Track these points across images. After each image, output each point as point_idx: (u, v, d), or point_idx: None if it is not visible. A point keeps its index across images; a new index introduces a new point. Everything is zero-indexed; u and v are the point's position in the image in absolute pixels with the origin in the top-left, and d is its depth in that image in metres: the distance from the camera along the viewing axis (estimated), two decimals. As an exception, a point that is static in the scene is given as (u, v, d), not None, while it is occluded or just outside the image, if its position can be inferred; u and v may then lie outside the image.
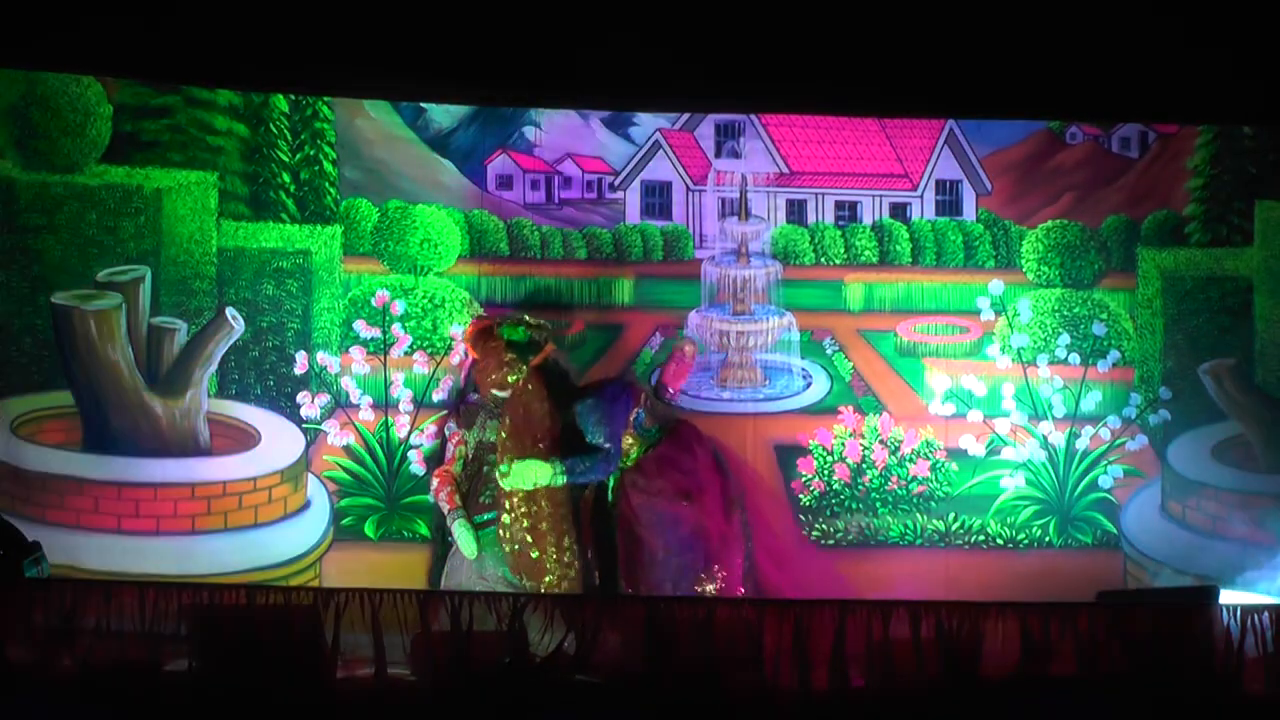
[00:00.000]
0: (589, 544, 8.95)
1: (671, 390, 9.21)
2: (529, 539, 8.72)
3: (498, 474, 8.70)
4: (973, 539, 10.20)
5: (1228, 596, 8.26)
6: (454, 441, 9.02)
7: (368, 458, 9.96)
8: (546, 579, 8.70)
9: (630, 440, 8.93)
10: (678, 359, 9.28)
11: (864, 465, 10.22)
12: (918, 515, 10.22)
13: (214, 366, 9.90)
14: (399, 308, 10.10)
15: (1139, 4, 9.78)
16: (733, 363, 10.36)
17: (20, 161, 9.72)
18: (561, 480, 8.71)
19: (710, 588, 8.74)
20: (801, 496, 10.19)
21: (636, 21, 9.65)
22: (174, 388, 9.84)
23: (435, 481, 8.97)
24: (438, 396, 10.02)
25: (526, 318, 9.05)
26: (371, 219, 10.19)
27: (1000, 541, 10.21)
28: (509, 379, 8.85)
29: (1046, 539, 10.22)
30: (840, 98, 10.21)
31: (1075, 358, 10.30)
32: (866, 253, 10.44)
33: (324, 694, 7.59)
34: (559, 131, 10.44)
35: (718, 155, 10.47)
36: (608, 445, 8.78)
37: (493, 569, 8.73)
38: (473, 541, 8.70)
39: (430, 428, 9.89)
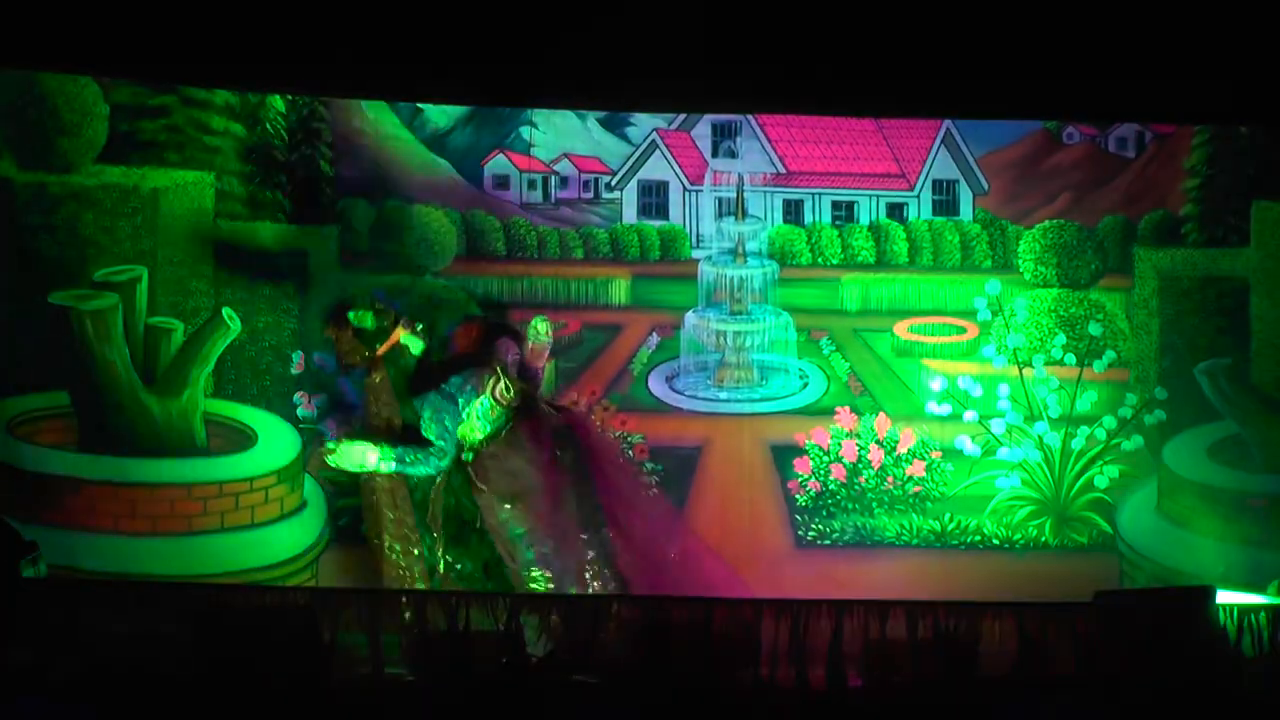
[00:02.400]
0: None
1: (534, 370, 9.11)
2: (372, 525, 8.77)
3: (323, 451, 8.67)
4: (969, 539, 10.21)
5: (1224, 596, 8.26)
6: None
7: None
8: (392, 570, 8.74)
9: (476, 429, 8.79)
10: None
11: (860, 465, 10.22)
12: (914, 515, 10.22)
13: (210, 366, 9.89)
14: (396, 308, 10.09)
15: (1137, 4, 9.77)
16: (729, 362, 10.37)
17: (17, 161, 9.72)
18: (389, 468, 8.60)
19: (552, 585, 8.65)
20: (798, 496, 10.19)
21: (634, 21, 9.64)
22: (171, 387, 9.84)
23: None
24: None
25: (377, 304, 8.99)
26: (368, 219, 10.20)
27: (996, 541, 10.22)
28: (357, 363, 8.84)
29: (1042, 539, 10.23)
30: (837, 98, 10.21)
31: (1071, 358, 10.31)
32: (863, 253, 10.45)
33: (321, 694, 7.59)
34: (556, 131, 10.44)
35: (714, 155, 10.48)
36: (439, 442, 8.64)
37: None
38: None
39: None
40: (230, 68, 9.80)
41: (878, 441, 10.23)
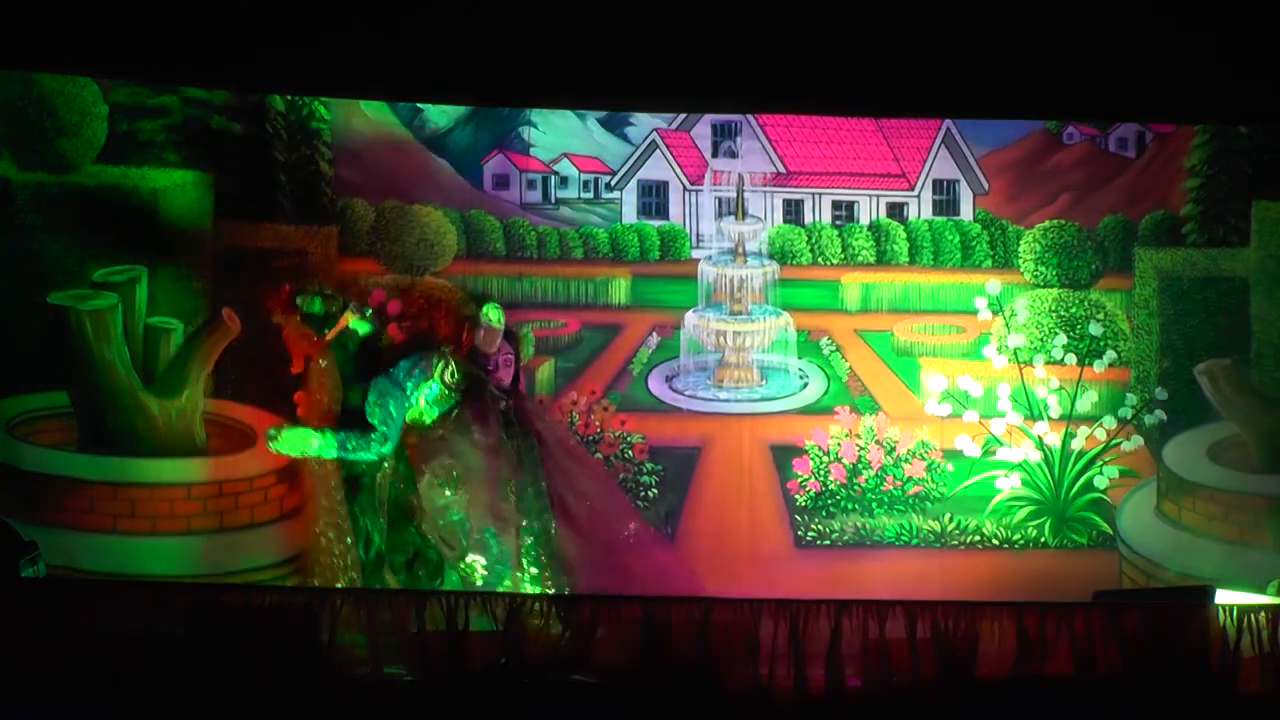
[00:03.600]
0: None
1: (486, 357, 9.09)
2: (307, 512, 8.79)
3: (267, 437, 8.66)
4: (968, 539, 10.21)
5: (1223, 596, 8.26)
6: None
7: (364, 457, 9.96)
8: (322, 556, 8.74)
9: (424, 414, 8.74)
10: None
11: (860, 465, 10.22)
12: (913, 515, 10.22)
13: (210, 366, 9.89)
14: (396, 307, 10.09)
15: (1136, 4, 9.77)
16: (729, 363, 10.37)
17: (17, 161, 9.72)
18: (331, 454, 8.59)
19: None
20: (797, 497, 10.20)
21: (633, 22, 9.64)
22: (170, 387, 9.84)
23: None
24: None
25: (325, 290, 8.98)
26: (368, 219, 10.20)
27: (996, 542, 10.21)
28: (305, 349, 8.85)
29: (1042, 539, 10.23)
30: (837, 98, 10.21)
31: (1072, 358, 10.31)
32: (863, 253, 10.45)
33: (320, 693, 7.59)
34: (555, 131, 10.44)
35: (714, 155, 10.48)
36: (382, 427, 8.60)
37: None
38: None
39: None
40: (229, 68, 9.80)
41: (877, 442, 10.23)
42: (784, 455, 10.23)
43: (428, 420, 8.72)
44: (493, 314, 8.98)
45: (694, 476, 10.22)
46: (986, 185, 10.48)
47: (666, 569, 8.89)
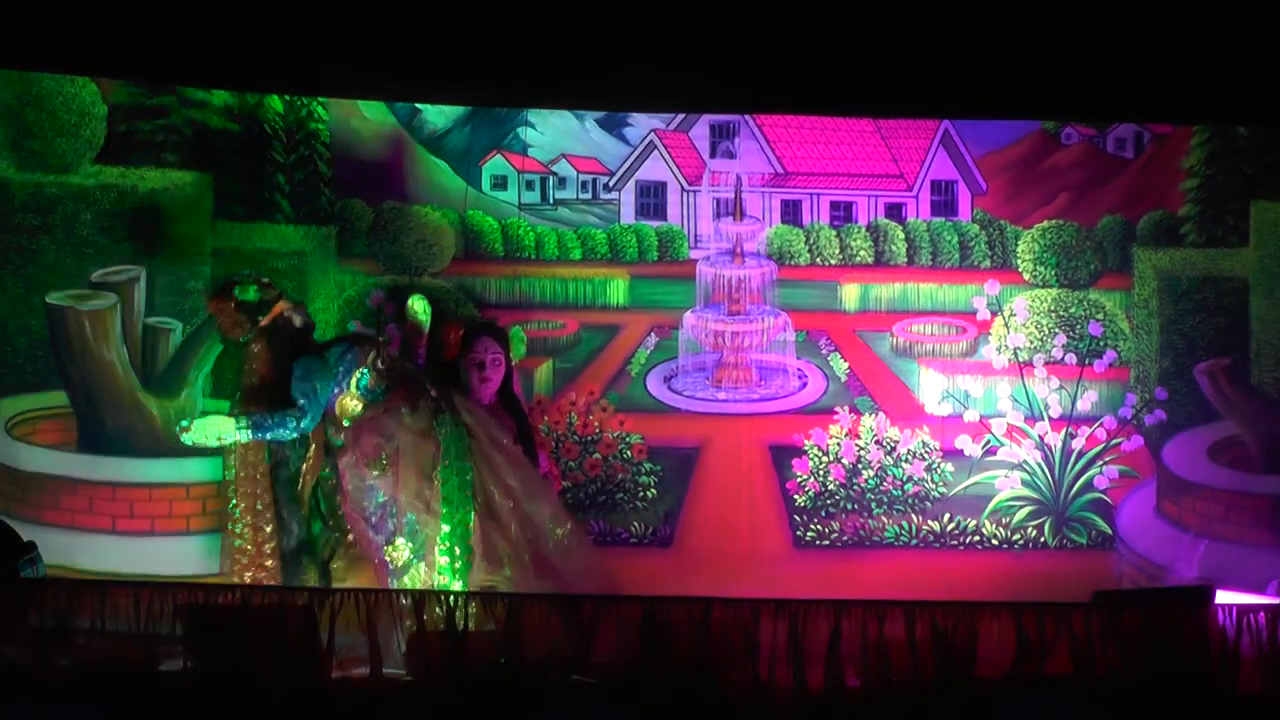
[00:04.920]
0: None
1: (415, 347, 9.12)
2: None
3: (179, 430, 8.62)
4: (968, 540, 10.21)
5: (1223, 596, 8.26)
6: None
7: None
8: (235, 543, 8.77)
9: (354, 401, 8.75)
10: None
11: (859, 466, 10.22)
12: (913, 516, 10.22)
13: (209, 366, 9.89)
14: (394, 308, 10.10)
15: (1135, 4, 9.77)
16: (728, 363, 10.36)
17: (15, 162, 9.72)
18: (246, 436, 8.58)
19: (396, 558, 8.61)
20: (797, 497, 10.19)
21: (631, 22, 9.64)
22: (169, 388, 9.84)
23: None
24: (433, 396, 10.01)
25: (261, 278, 8.98)
26: (366, 220, 10.20)
27: (995, 542, 10.21)
28: (240, 338, 8.84)
29: (1042, 539, 10.23)
30: (835, 98, 10.20)
31: (1071, 358, 10.31)
32: (862, 253, 10.44)
33: (319, 694, 7.59)
34: (553, 132, 10.44)
35: (712, 156, 10.47)
36: (302, 401, 8.59)
37: None
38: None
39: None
40: (228, 68, 9.80)
41: (877, 442, 10.23)
42: (783, 455, 10.22)
43: (358, 408, 8.71)
44: (417, 305, 9.00)
45: (693, 477, 10.22)
46: (985, 186, 10.48)
47: (592, 569, 8.88)
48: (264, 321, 8.78)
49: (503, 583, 8.53)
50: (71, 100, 9.78)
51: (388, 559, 8.59)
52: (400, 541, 8.56)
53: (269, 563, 8.74)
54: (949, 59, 9.87)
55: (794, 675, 7.67)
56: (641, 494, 10.17)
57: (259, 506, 8.80)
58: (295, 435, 8.68)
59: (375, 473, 8.62)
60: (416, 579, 8.51)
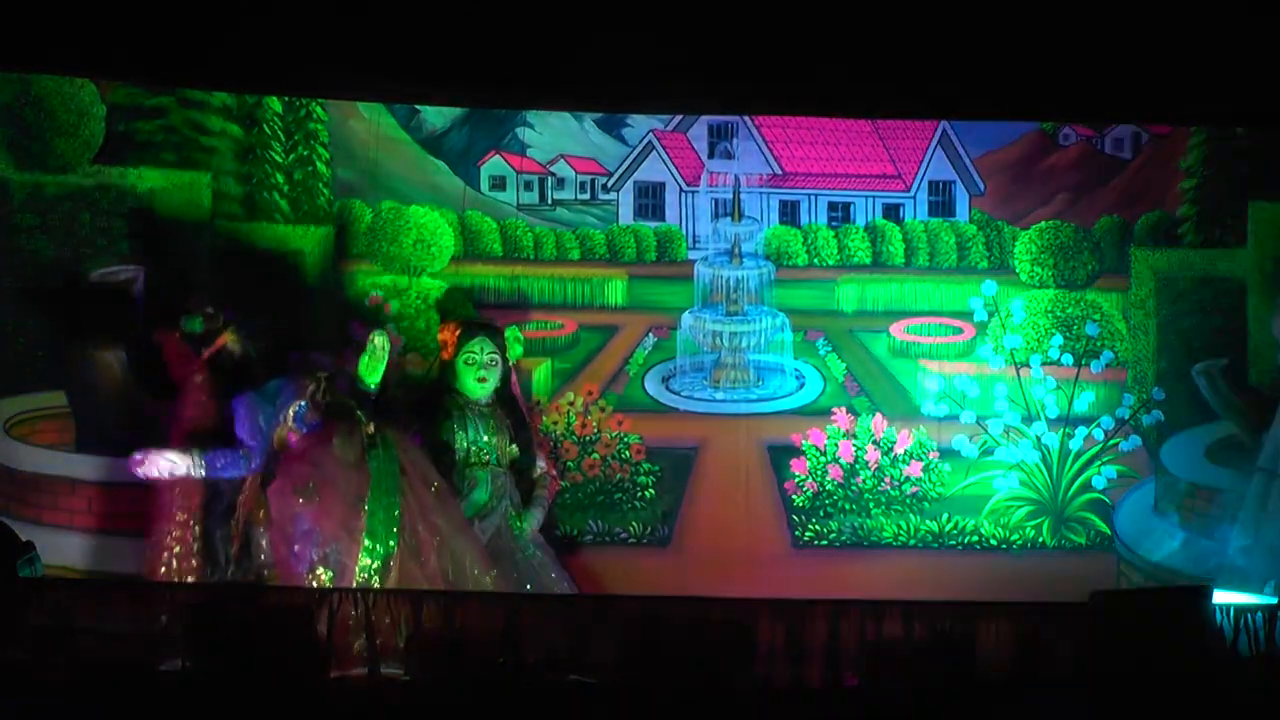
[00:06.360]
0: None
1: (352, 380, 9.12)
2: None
3: (131, 462, 8.65)
4: (966, 540, 10.21)
5: (1220, 596, 8.27)
6: None
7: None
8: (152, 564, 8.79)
9: (290, 433, 8.76)
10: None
11: (857, 466, 10.22)
12: (911, 516, 10.22)
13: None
14: (392, 308, 10.11)
15: (1133, 4, 9.77)
16: (726, 363, 10.37)
17: (14, 162, 9.73)
18: (200, 473, 8.66)
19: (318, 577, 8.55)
20: (795, 497, 10.19)
21: (630, 22, 9.64)
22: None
23: None
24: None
25: (208, 309, 8.99)
26: (365, 220, 10.21)
27: (993, 542, 10.22)
28: (182, 368, 8.88)
29: (1040, 540, 10.23)
30: (833, 99, 10.21)
31: (1068, 358, 10.31)
32: (860, 253, 10.45)
33: (318, 694, 7.60)
34: (552, 133, 10.45)
35: (711, 156, 10.48)
36: (251, 443, 8.67)
37: None
38: None
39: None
40: (227, 69, 9.80)
41: (874, 442, 10.24)
42: (781, 455, 10.22)
43: (292, 440, 8.75)
44: (377, 340, 8.97)
45: (691, 477, 10.22)
46: (982, 186, 10.49)
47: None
48: (205, 354, 8.83)
49: None
50: (70, 100, 9.78)
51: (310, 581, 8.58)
52: (321, 571, 8.53)
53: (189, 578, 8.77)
54: (947, 59, 9.87)
55: (792, 675, 7.68)
56: (640, 494, 10.17)
57: (192, 536, 8.80)
58: (245, 474, 8.73)
59: (301, 500, 8.60)
60: None
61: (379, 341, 8.96)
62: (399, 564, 8.58)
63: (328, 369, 8.94)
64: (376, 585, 8.45)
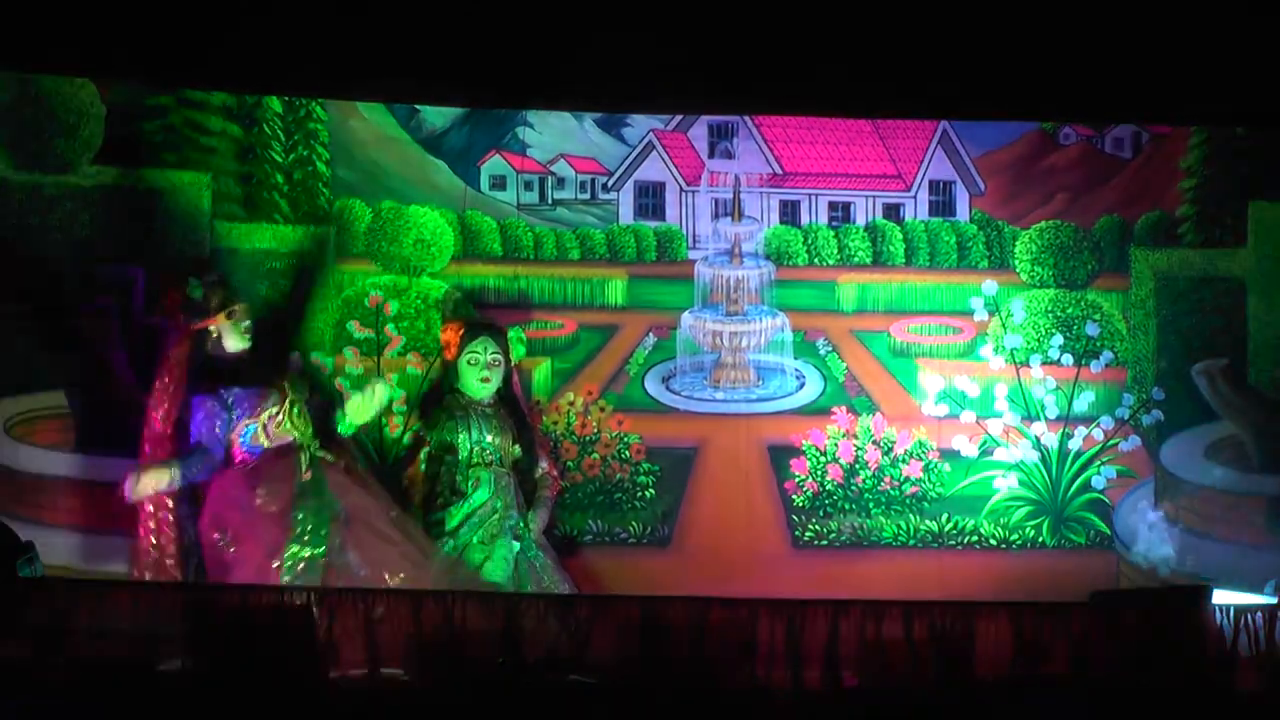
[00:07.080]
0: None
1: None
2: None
3: (126, 488, 8.56)
4: (966, 540, 10.20)
5: (1220, 596, 8.27)
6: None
7: (361, 457, 9.92)
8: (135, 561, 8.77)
9: (237, 447, 8.74)
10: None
11: (857, 466, 10.22)
12: (911, 516, 10.22)
13: (207, 367, 9.89)
14: (392, 308, 10.11)
15: (1132, 4, 9.78)
16: (726, 363, 10.36)
17: (13, 162, 9.72)
18: (180, 483, 8.62)
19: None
20: (795, 497, 10.19)
21: (630, 22, 9.65)
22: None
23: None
24: (432, 397, 10.02)
25: (213, 278, 8.98)
26: (365, 220, 10.20)
27: (993, 542, 10.21)
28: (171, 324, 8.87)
29: (1039, 539, 10.23)
30: (834, 99, 10.22)
31: (1068, 358, 10.31)
32: (860, 253, 10.45)
33: (317, 694, 7.59)
34: (552, 132, 10.44)
35: (711, 156, 10.48)
36: (215, 450, 8.64)
37: None
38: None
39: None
40: (227, 69, 9.81)
41: (875, 442, 10.23)
42: (781, 455, 10.22)
43: (237, 453, 8.75)
44: (379, 388, 8.97)
45: (691, 477, 10.21)
46: (982, 186, 10.48)
47: None
48: (194, 326, 8.79)
49: None
50: (70, 100, 9.77)
51: None
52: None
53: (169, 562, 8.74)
54: (947, 59, 9.88)
55: (792, 675, 7.68)
56: (639, 494, 10.17)
57: (171, 533, 8.79)
58: (207, 478, 8.67)
59: (219, 540, 8.58)
60: None
61: (380, 390, 8.98)
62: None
63: (321, 377, 8.92)
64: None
